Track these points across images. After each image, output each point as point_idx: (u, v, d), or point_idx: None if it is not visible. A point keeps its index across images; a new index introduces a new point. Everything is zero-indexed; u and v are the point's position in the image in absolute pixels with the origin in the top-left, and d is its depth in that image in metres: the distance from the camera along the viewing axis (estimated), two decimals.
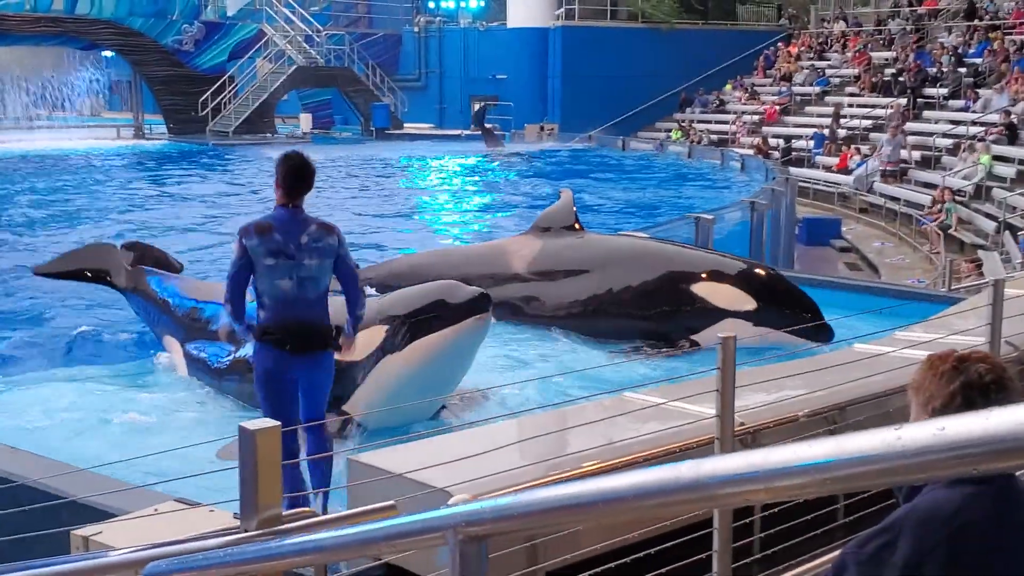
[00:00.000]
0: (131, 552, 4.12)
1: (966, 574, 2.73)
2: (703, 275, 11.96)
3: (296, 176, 7.51)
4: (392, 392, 8.96)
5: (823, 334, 10.78)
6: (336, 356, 7.88)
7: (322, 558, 3.32)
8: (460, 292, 9.42)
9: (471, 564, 2.34)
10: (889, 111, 35.36)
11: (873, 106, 37.80)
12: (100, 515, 5.86)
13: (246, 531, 3.72)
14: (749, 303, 11.60)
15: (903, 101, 35.44)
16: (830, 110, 39.35)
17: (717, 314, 11.55)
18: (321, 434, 7.66)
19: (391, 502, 4.22)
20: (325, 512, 7.76)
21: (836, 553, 3.04)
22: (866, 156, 33.57)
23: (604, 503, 2.02)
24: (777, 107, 42.92)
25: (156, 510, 5.60)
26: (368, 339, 9.13)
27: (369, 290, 9.75)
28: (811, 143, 37.65)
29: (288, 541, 2.99)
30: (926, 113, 35.62)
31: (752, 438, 6.49)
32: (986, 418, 1.55)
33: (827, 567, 4.45)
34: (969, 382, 2.96)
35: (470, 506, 2.30)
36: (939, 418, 1.63)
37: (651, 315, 12.05)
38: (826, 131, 37.21)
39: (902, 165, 32.04)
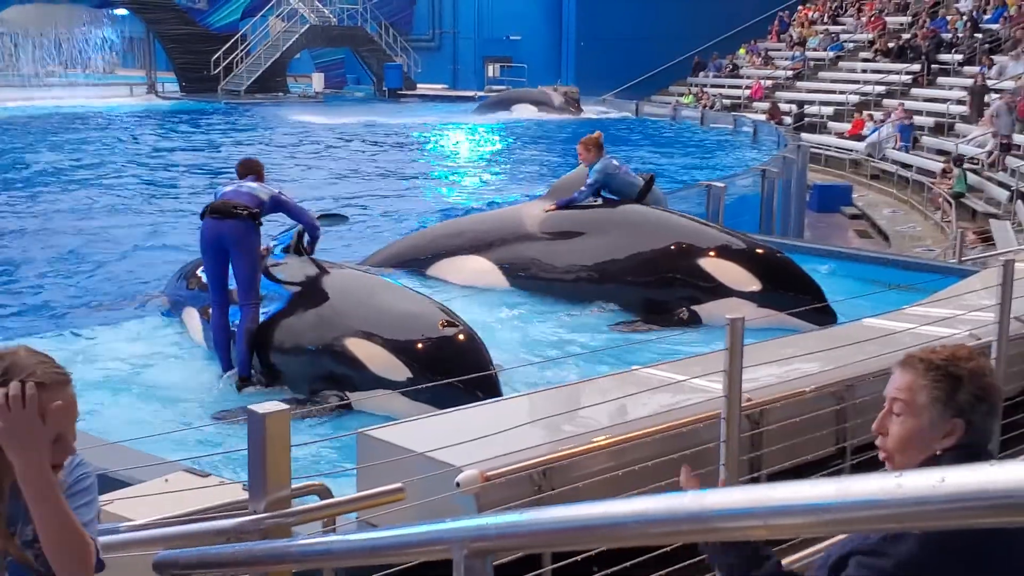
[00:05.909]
0: (141, 532, 4.16)
1: (973, 564, 2.73)
2: (712, 251, 11.95)
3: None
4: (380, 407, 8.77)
5: (826, 320, 10.78)
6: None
7: (330, 562, 3.36)
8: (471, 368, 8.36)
9: None
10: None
11: (888, 71, 37.61)
12: (110, 483, 5.89)
13: (255, 512, 3.77)
14: (754, 283, 11.62)
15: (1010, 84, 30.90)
16: (845, 75, 39.04)
17: (721, 291, 11.58)
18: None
19: (399, 484, 4.27)
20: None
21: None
22: (880, 122, 33.40)
23: (608, 527, 2.04)
24: (762, 83, 42.63)
25: (166, 480, 5.64)
26: (369, 353, 9.04)
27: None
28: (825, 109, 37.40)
29: (297, 542, 3.03)
30: (940, 79, 35.50)
31: (760, 414, 6.51)
32: (986, 472, 1.56)
33: (827, 545, 4.45)
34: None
35: (477, 521, 2.33)
36: (939, 468, 1.63)
37: (656, 285, 12.05)
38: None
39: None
